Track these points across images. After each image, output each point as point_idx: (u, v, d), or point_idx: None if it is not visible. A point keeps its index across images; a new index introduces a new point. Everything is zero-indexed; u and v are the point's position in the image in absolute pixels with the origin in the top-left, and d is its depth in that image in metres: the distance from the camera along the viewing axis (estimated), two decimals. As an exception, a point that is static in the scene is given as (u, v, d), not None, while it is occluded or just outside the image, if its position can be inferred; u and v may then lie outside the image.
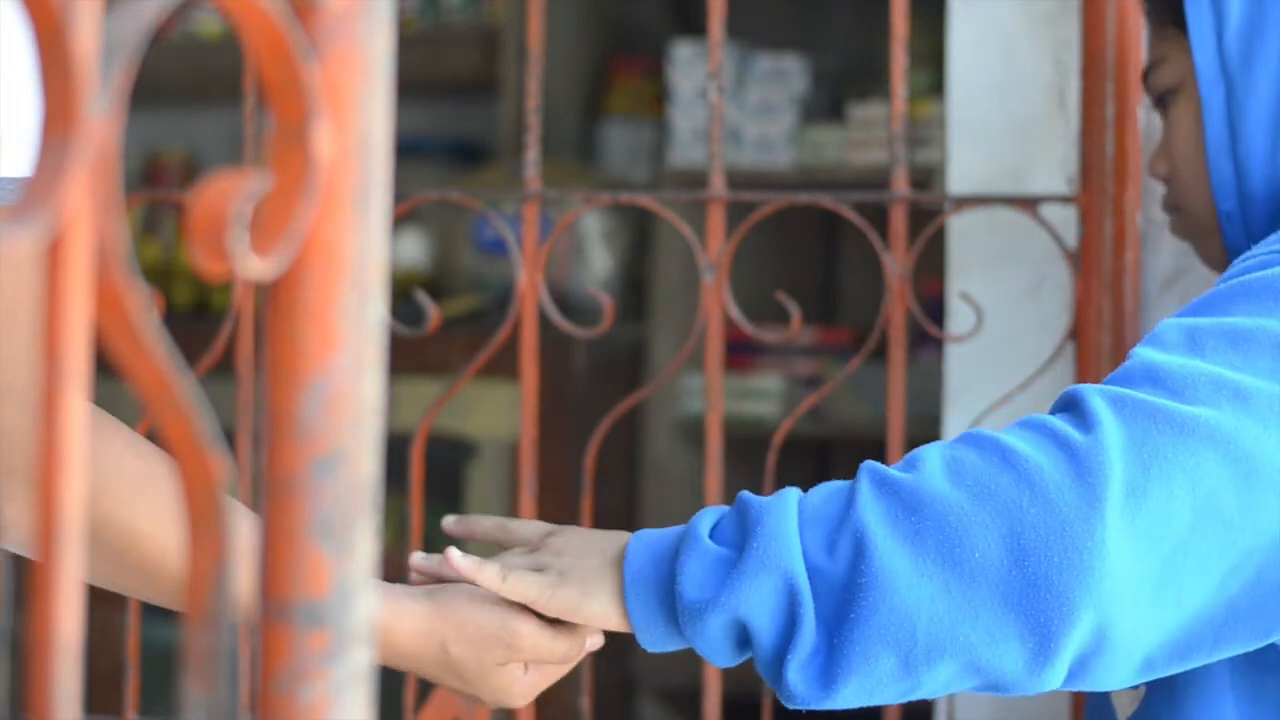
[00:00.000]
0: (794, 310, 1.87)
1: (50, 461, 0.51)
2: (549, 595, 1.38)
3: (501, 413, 3.77)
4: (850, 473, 1.36)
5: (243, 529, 1.20)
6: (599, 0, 4.28)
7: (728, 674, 1.75)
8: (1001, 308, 1.99)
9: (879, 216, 1.91)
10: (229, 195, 0.54)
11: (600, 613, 1.38)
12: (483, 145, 4.39)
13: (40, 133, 0.51)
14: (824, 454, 4.09)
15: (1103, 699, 1.54)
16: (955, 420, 2.02)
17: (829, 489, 1.35)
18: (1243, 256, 1.46)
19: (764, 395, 3.96)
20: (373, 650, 0.58)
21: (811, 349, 4.00)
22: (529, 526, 1.45)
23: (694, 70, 3.95)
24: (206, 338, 1.99)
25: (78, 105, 0.50)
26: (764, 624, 1.32)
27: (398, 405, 2.47)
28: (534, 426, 1.93)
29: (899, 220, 1.91)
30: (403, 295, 2.99)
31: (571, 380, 3.80)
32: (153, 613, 1.86)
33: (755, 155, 3.93)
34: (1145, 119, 1.90)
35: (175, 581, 1.23)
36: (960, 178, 2.04)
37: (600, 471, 1.95)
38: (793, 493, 1.36)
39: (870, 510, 1.31)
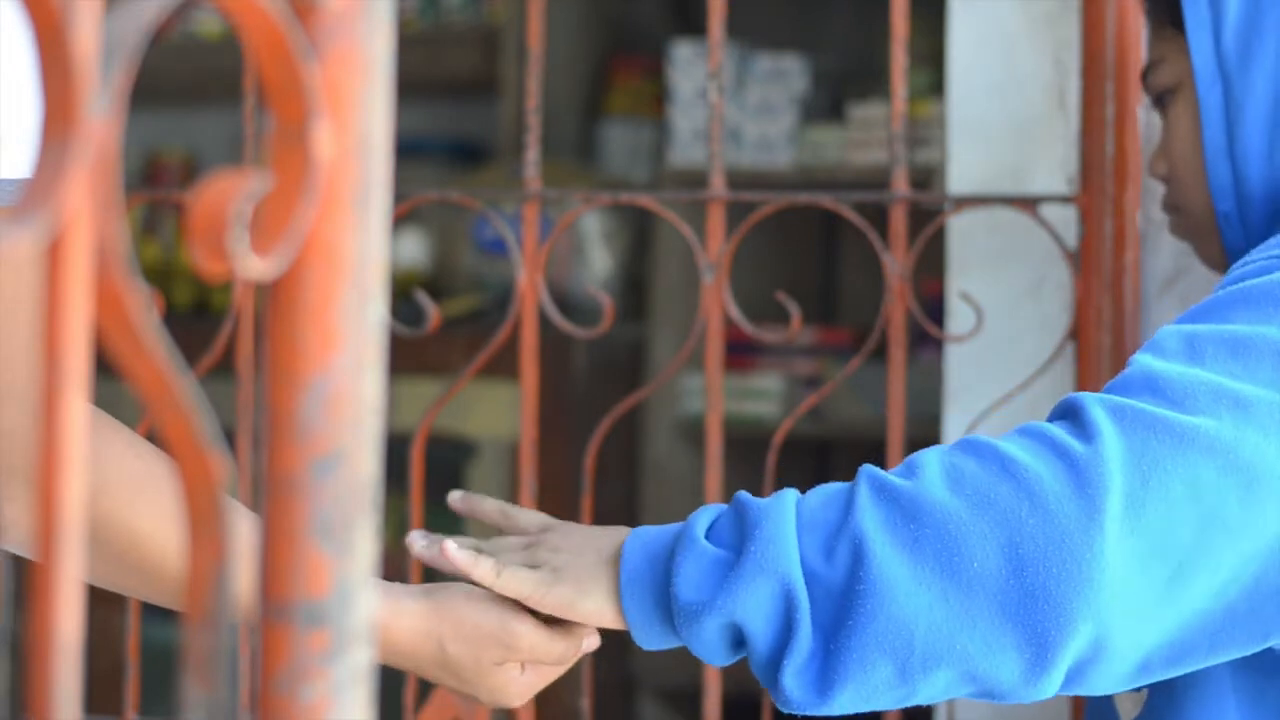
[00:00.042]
0: (794, 310, 1.87)
1: (50, 461, 0.51)
2: (543, 592, 1.37)
3: (501, 413, 3.76)
4: (850, 473, 1.36)
5: (243, 529, 1.20)
6: (599, 0, 4.28)
7: (728, 674, 1.75)
8: (1001, 308, 1.99)
9: (879, 216, 1.91)
10: (229, 195, 0.54)
11: (595, 611, 1.38)
12: (483, 145, 4.38)
13: (40, 133, 0.51)
14: (824, 454, 4.09)
15: (1105, 702, 1.54)
16: (955, 420, 2.02)
17: (827, 492, 1.35)
18: (1241, 261, 1.46)
19: (764, 395, 3.96)
20: (373, 650, 0.58)
21: (811, 349, 3.99)
22: (529, 516, 1.45)
23: (694, 70, 3.95)
24: (206, 338, 1.99)
25: (78, 105, 0.50)
26: (760, 628, 1.32)
27: (398, 405, 2.47)
28: (534, 426, 1.93)
29: (899, 220, 1.91)
30: (403, 295, 2.99)
31: (571, 380, 3.79)
32: (153, 613, 1.86)
33: (755, 155, 3.93)
34: (1145, 119, 1.90)
35: (175, 581, 1.23)
36: (960, 178, 2.04)
37: (600, 471, 1.95)
38: (791, 495, 1.35)
39: (869, 517, 1.31)
